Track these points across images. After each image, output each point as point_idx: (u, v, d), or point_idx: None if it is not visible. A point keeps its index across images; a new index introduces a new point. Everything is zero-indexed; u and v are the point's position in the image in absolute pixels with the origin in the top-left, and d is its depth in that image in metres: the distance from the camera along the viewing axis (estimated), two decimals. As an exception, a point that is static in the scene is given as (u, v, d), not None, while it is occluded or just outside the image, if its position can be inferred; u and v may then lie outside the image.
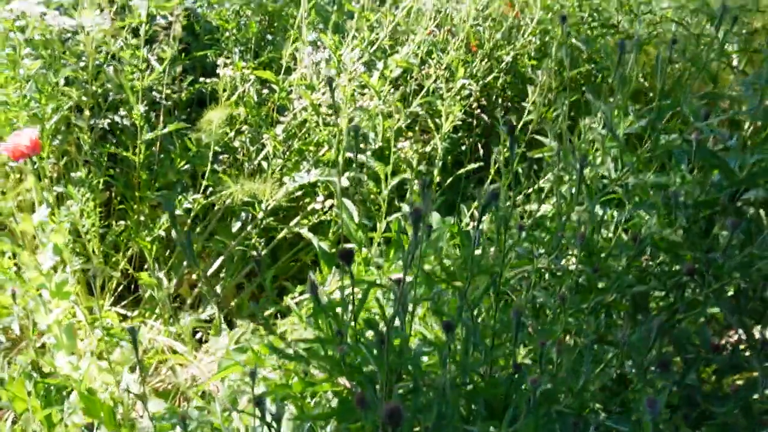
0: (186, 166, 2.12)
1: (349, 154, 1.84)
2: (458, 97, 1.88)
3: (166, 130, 1.97)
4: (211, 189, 2.03)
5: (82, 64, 2.08)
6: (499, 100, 2.19)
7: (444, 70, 1.86)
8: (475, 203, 1.59)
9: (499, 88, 2.07)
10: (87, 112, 2.10)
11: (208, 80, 2.22)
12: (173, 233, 2.00)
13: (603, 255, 1.01)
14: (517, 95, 2.14)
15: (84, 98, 2.04)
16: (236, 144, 2.18)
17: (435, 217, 1.47)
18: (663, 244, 0.98)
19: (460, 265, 1.13)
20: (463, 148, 2.07)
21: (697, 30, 2.10)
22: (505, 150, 1.22)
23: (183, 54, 2.30)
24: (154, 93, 2.22)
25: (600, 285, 1.01)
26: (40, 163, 1.91)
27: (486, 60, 1.94)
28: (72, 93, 2.00)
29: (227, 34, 2.41)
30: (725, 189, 0.98)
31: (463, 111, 1.86)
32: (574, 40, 1.93)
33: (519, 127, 1.79)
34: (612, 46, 2.06)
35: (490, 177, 1.67)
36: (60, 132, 2.10)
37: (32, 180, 1.65)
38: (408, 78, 2.05)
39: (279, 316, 1.75)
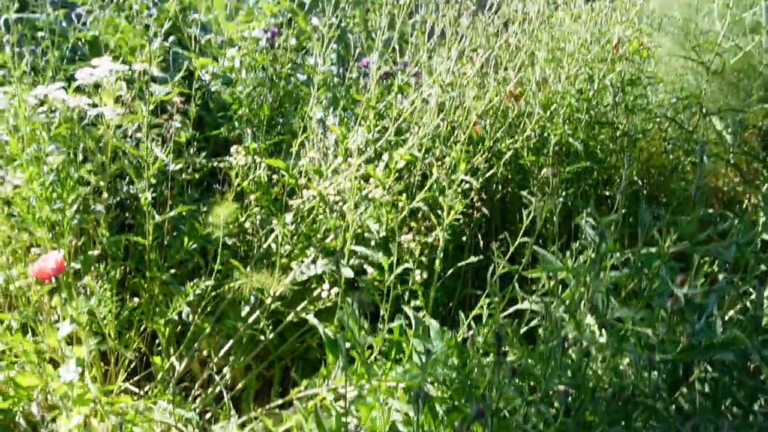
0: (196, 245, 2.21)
1: (355, 247, 1.93)
2: (459, 191, 1.96)
3: (172, 213, 2.06)
4: (221, 271, 2.11)
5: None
6: (500, 187, 2.27)
7: (447, 169, 1.94)
8: (473, 312, 1.67)
9: (500, 177, 2.15)
10: (105, 194, 2.19)
11: (221, 163, 2.32)
12: (185, 314, 2.08)
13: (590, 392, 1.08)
14: (517, 185, 2.23)
15: (102, 182, 2.14)
16: (247, 225, 2.27)
17: (433, 326, 1.54)
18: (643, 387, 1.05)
19: (457, 387, 1.21)
20: (464, 238, 2.15)
21: (691, 124, 2.18)
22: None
23: (196, 126, 2.40)
24: (167, 166, 2.32)
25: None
26: (58, 236, 2.01)
27: (487, 153, 2.02)
28: (91, 179, 2.09)
29: (240, 112, 2.51)
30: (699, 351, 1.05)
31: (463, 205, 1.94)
32: (570, 139, 2.02)
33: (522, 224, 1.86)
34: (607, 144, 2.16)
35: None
36: (78, 211, 2.19)
37: (57, 299, 1.75)
38: (411, 168, 2.14)
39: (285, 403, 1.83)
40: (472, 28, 2.24)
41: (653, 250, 1.17)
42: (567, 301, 1.25)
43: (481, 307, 1.62)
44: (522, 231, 1.73)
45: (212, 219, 1.84)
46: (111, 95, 2.19)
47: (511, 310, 1.61)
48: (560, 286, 1.37)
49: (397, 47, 2.42)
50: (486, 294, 1.62)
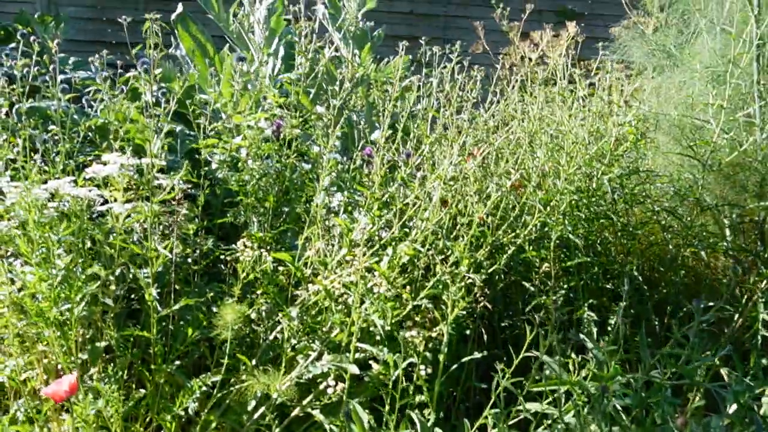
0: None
1: (360, 345, 1.95)
2: (463, 286, 1.98)
3: (177, 307, 2.08)
4: (228, 364, 2.12)
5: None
6: (502, 276, 2.30)
7: (450, 265, 1.97)
8: (479, 420, 1.68)
9: (502, 269, 2.18)
10: (113, 287, 2.22)
11: (228, 255, 2.35)
12: (191, 409, 2.09)
13: None
14: (519, 274, 2.26)
15: (111, 277, 2.17)
16: (253, 315, 2.29)
17: (439, 435, 1.55)
18: None
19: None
20: (468, 332, 2.17)
21: (690, 216, 2.22)
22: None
23: (203, 209, 2.45)
24: (173, 255, 2.35)
25: None
26: (66, 332, 2.03)
27: (489, 248, 2.05)
28: (100, 273, 2.12)
29: (246, 201, 2.55)
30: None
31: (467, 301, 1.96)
32: (571, 235, 2.06)
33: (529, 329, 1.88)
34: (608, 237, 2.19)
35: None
36: (86, 304, 2.22)
37: (69, 420, 1.77)
38: (415, 261, 2.16)
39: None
40: (473, 124, 2.29)
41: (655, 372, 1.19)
42: (572, 413, 1.27)
43: (486, 417, 1.63)
44: (524, 319, 1.75)
45: (219, 322, 1.86)
46: (120, 190, 2.24)
47: (514, 420, 1.62)
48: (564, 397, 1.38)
49: (399, 130, 2.48)
50: (492, 404, 1.63)
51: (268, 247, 2.53)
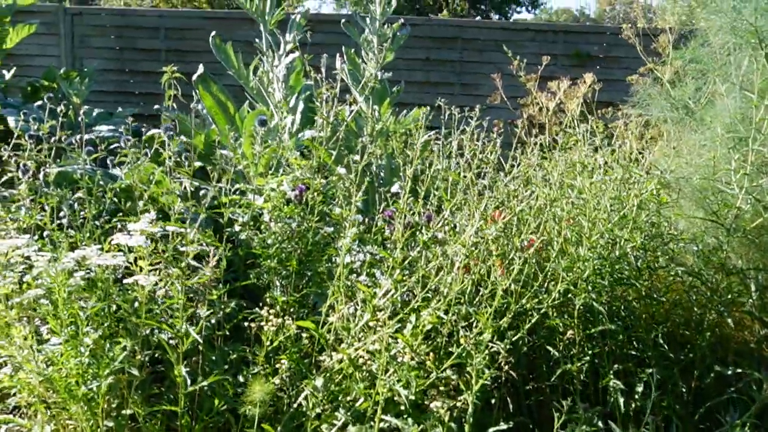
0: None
1: (384, 417, 1.93)
2: (486, 354, 1.97)
3: (205, 383, 2.09)
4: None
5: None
6: (526, 340, 2.28)
7: (474, 334, 1.96)
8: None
9: (525, 333, 2.17)
10: (138, 356, 2.23)
11: (251, 321, 2.36)
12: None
13: None
14: (543, 339, 2.24)
15: (137, 347, 2.18)
16: (276, 381, 2.29)
17: None
18: None
19: None
20: (492, 401, 2.15)
21: (715, 278, 2.20)
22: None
23: (226, 274, 2.46)
24: (198, 312, 2.36)
25: None
26: (92, 406, 2.04)
27: (512, 315, 2.04)
28: (127, 342, 2.13)
29: (269, 263, 2.56)
30: None
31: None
32: (595, 303, 2.05)
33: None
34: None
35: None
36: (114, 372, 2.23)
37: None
38: (439, 327, 2.16)
39: None
40: (494, 187, 2.30)
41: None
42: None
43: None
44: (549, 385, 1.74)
45: (248, 398, 1.86)
46: (145, 257, 2.25)
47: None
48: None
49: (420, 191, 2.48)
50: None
51: (291, 310, 2.54)
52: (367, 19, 4.29)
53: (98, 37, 8.02)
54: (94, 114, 5.35)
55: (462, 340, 1.93)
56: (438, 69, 7.94)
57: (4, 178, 2.96)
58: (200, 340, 2.09)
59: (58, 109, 3.58)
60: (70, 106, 5.51)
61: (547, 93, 4.57)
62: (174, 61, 7.59)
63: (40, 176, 3.02)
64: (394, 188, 3.65)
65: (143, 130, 3.50)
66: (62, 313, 1.86)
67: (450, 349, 2.11)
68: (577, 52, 7.89)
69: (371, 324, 2.25)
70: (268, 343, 2.20)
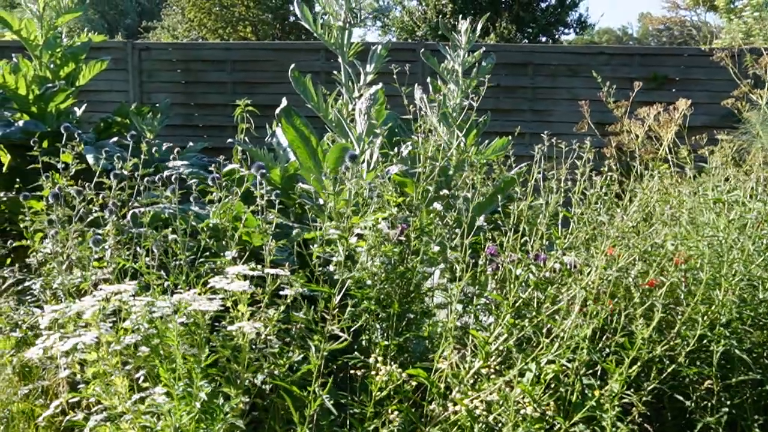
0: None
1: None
2: (617, 405, 1.86)
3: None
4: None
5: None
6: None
7: (603, 385, 1.85)
8: None
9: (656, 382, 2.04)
10: (241, 405, 2.17)
11: (357, 370, 2.29)
12: None
13: None
14: (673, 387, 2.11)
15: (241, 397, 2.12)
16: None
17: None
18: None
19: None
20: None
21: None
22: None
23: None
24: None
25: None
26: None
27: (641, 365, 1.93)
28: (231, 391, 2.08)
29: (366, 304, 2.49)
30: None
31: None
32: (737, 351, 1.92)
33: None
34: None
35: None
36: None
37: None
38: (561, 377, 2.05)
39: None
40: (609, 224, 2.19)
41: None
42: None
43: None
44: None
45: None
46: (245, 303, 2.20)
47: None
48: None
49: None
50: None
51: (393, 354, 2.45)
52: (445, 47, 4.25)
53: (165, 72, 8.16)
54: (163, 148, 5.39)
55: (595, 393, 1.82)
56: (509, 95, 7.83)
57: (90, 218, 2.96)
58: (320, 393, 2.01)
59: (141, 146, 3.60)
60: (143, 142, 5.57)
61: (635, 119, 4.45)
62: (241, 94, 7.70)
63: (128, 216, 3.02)
64: (479, 221, 3.56)
65: (221, 163, 3.48)
66: (179, 366, 1.81)
67: (571, 398, 2.00)
68: (654, 75, 7.72)
69: (483, 371, 2.16)
70: (378, 391, 2.12)
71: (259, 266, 2.62)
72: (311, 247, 3.39)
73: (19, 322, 3.04)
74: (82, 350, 1.98)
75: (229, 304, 2.24)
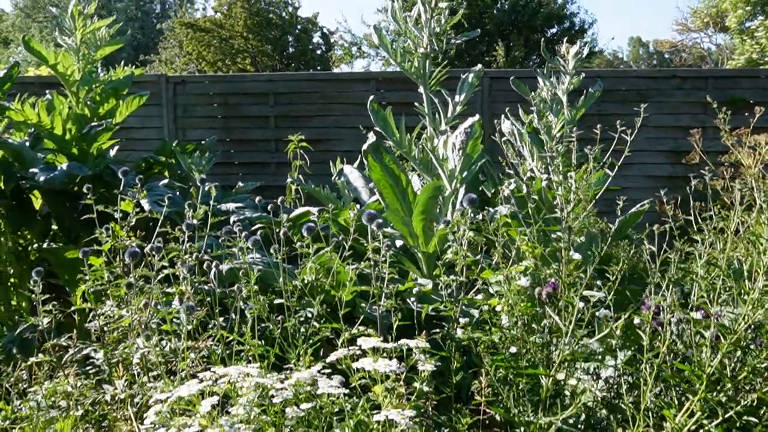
0: None
1: None
2: None
3: None
4: None
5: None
6: None
7: None
8: None
9: None
10: None
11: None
12: None
13: None
14: None
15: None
16: None
17: None
18: None
19: None
20: None
21: None
22: None
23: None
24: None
25: None
26: None
27: None
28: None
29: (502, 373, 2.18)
30: None
31: None
32: None
33: None
34: None
35: None
36: None
37: None
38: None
39: None
40: None
41: None
42: None
43: None
44: None
45: None
46: (383, 388, 1.90)
47: None
48: None
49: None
50: None
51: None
52: (541, 73, 3.99)
53: (202, 106, 7.94)
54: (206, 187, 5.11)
55: None
56: (576, 123, 7.52)
57: (160, 275, 2.66)
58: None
59: (207, 189, 3.33)
60: (188, 178, 5.33)
61: (748, 147, 4.18)
62: (285, 128, 7.47)
63: (211, 276, 2.73)
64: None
65: (281, 205, 3.18)
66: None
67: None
68: (732, 98, 7.41)
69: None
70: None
71: (369, 330, 2.34)
72: (408, 300, 3.09)
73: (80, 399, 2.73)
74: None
75: (354, 381, 1.94)
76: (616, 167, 4.31)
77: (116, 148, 5.78)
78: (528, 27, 19.55)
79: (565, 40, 4.39)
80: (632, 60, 41.80)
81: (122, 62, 5.23)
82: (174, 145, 5.50)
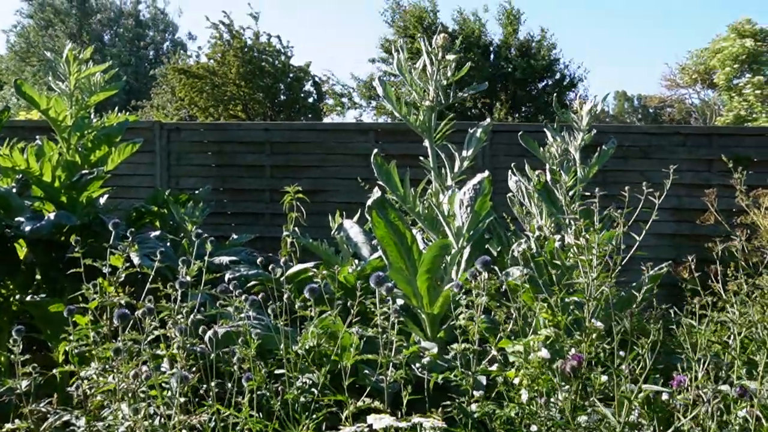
0: None
1: None
2: None
3: None
4: None
5: None
6: None
7: None
8: None
9: None
10: None
11: None
12: None
13: None
14: None
15: None
16: None
17: None
18: None
19: None
20: None
21: None
22: None
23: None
24: None
25: None
26: None
27: None
28: None
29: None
30: None
31: None
32: None
33: None
34: None
35: None
36: None
37: None
38: None
39: None
40: None
41: None
42: None
43: None
44: None
45: None
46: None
47: None
48: None
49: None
50: None
51: None
52: (551, 129, 3.89)
53: (196, 154, 7.81)
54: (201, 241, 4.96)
55: None
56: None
57: (150, 337, 2.49)
58: None
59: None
60: (180, 229, 5.19)
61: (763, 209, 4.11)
62: (280, 178, 7.33)
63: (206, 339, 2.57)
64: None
65: (279, 262, 3.03)
66: None
67: None
68: (736, 156, 7.32)
69: None
70: None
71: (376, 402, 2.18)
72: (413, 366, 2.92)
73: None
74: None
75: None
76: (626, 226, 4.20)
77: (106, 196, 5.63)
78: (513, 80, 19.68)
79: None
80: (617, 114, 42.23)
81: (115, 108, 5.11)
82: (167, 194, 5.36)
